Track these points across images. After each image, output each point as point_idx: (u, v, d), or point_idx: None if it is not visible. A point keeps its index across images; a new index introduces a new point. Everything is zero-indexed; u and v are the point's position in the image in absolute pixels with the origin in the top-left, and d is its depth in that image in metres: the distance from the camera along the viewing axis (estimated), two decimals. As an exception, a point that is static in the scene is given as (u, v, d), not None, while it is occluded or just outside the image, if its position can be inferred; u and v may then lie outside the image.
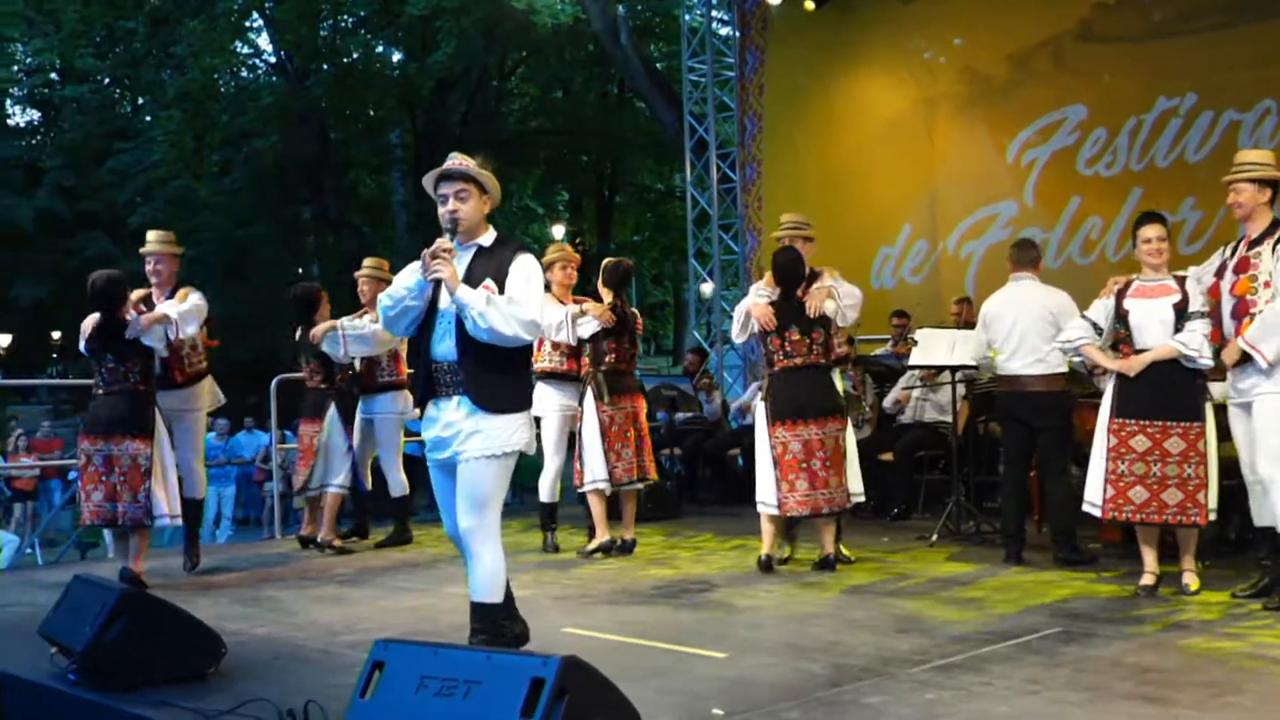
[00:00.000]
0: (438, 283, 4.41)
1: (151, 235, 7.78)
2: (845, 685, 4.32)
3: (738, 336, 7.31)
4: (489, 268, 4.43)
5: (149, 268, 7.65)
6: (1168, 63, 10.72)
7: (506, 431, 4.41)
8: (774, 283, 6.97)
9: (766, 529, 7.01)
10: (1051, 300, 7.06)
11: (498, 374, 4.41)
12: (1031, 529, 7.83)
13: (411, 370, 7.00)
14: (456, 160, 4.59)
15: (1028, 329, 7.01)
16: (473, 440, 4.38)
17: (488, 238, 4.58)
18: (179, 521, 7.22)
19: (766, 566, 6.91)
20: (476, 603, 4.48)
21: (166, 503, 6.97)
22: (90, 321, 7.01)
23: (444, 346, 4.44)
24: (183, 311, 7.19)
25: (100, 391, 6.98)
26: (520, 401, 4.53)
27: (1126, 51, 11.05)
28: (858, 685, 4.32)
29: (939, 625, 5.37)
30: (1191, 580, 5.97)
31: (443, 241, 4.39)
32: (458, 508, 4.44)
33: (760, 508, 6.97)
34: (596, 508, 7.75)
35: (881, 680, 4.38)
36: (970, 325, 9.13)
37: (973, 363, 7.77)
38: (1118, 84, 11.08)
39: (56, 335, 30.71)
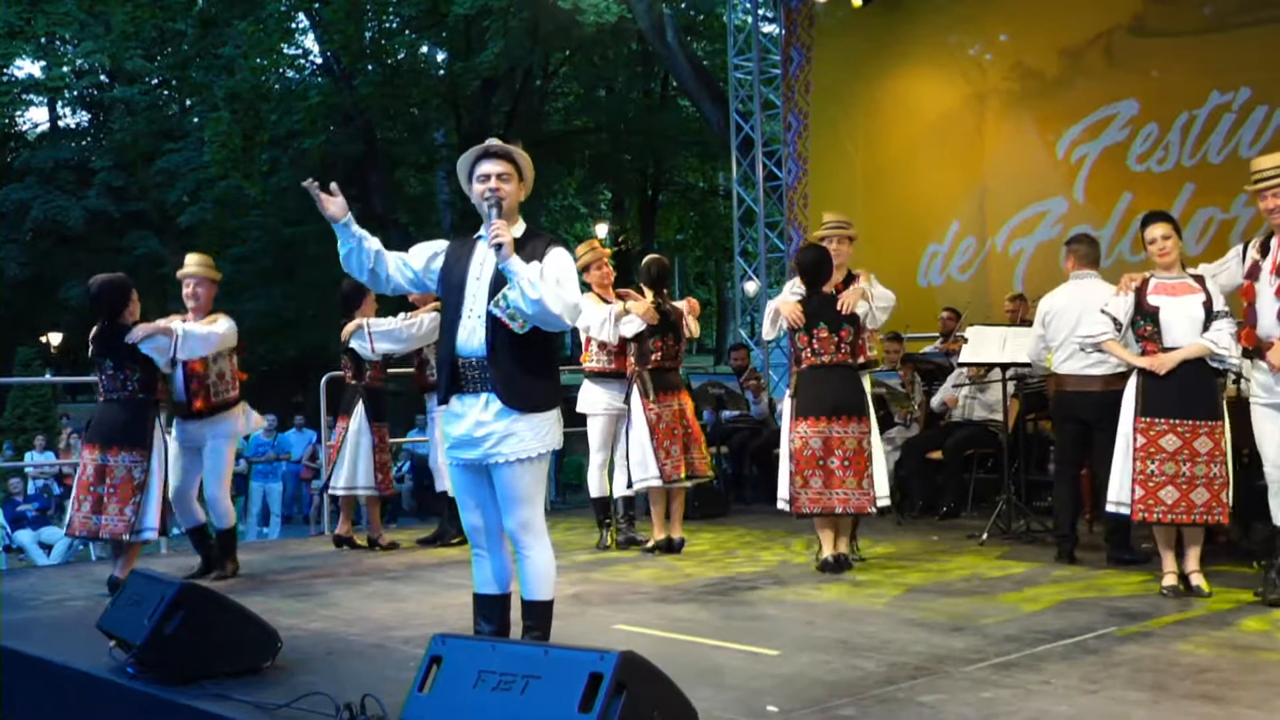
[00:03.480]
0: (464, 273, 4.39)
1: (190, 258, 7.60)
2: (900, 683, 4.30)
3: (768, 334, 7.43)
4: (520, 252, 4.31)
5: (186, 290, 7.40)
6: (1221, 57, 10.58)
7: (540, 431, 4.34)
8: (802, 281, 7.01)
9: (823, 530, 6.93)
10: None
11: (527, 371, 4.31)
12: (1082, 528, 7.76)
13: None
14: (497, 143, 4.48)
15: None
16: (506, 443, 4.29)
17: (518, 229, 4.44)
18: (156, 535, 7.00)
19: (827, 567, 6.81)
20: (529, 600, 4.47)
21: (157, 516, 6.81)
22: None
23: (472, 342, 4.33)
24: (189, 331, 6.95)
25: (100, 399, 6.93)
26: (551, 399, 4.41)
27: (1179, 45, 10.91)
28: (913, 683, 4.29)
29: (992, 624, 5.33)
30: (1201, 582, 5.90)
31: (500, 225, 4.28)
32: (504, 510, 4.40)
33: (780, 505, 6.95)
34: (655, 506, 7.84)
35: (937, 679, 4.36)
36: (1025, 322, 9.06)
37: (1027, 360, 7.69)
38: (1170, 79, 10.95)
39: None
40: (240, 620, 4.74)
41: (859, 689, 4.24)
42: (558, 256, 4.35)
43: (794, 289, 7.08)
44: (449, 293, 4.46)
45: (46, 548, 14.02)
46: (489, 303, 4.28)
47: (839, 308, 6.83)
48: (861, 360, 7.15)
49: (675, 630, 5.33)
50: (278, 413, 19.42)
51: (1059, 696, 4.07)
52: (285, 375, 28.07)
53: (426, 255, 4.56)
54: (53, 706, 5.03)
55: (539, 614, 4.47)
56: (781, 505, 6.92)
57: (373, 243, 4.50)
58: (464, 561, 7.75)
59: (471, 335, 4.34)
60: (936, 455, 9.44)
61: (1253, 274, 5.83)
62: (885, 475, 6.92)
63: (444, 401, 4.48)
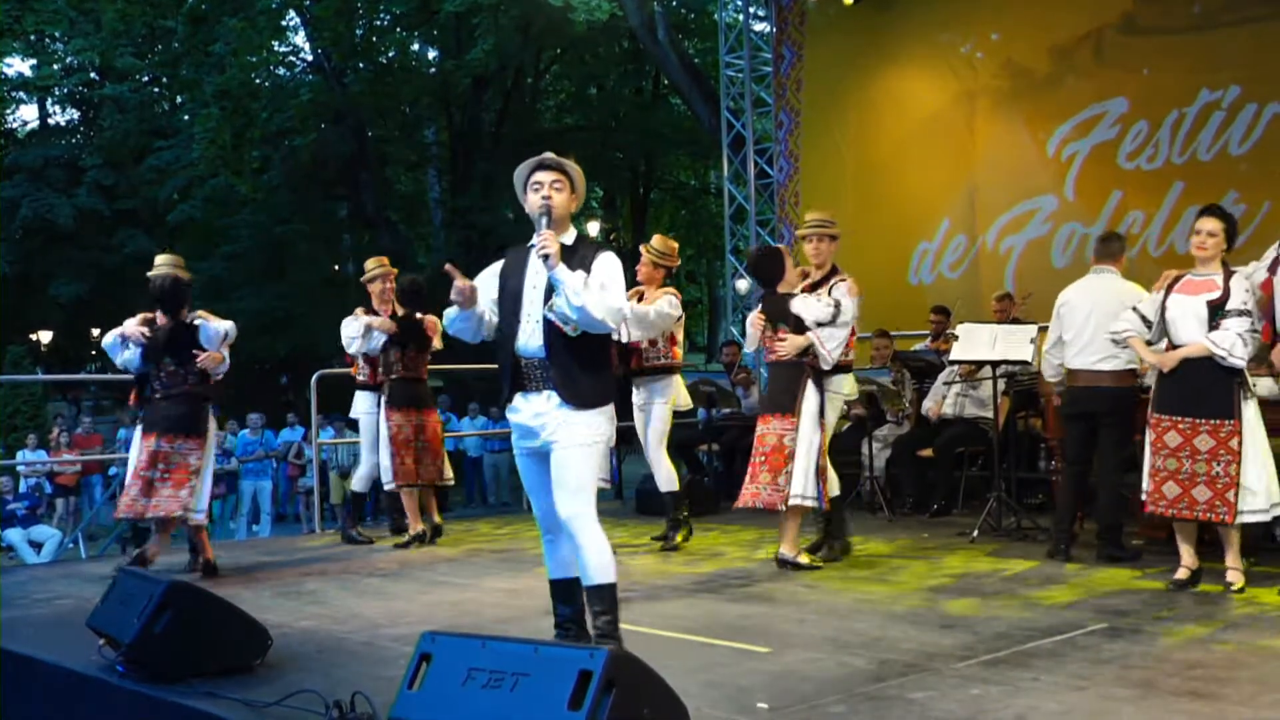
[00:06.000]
0: (520, 281, 4.59)
1: (161, 259, 7.72)
2: (890, 680, 4.30)
3: (750, 346, 7.50)
4: (571, 265, 4.49)
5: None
6: (1210, 55, 10.60)
7: (595, 424, 4.53)
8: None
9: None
10: (1130, 295, 6.78)
11: (584, 370, 4.52)
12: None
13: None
14: (551, 156, 4.72)
15: (1102, 323, 6.75)
16: (562, 430, 4.48)
17: (569, 236, 4.64)
18: (205, 520, 7.39)
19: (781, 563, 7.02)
20: (591, 585, 4.53)
21: (207, 501, 7.27)
22: (136, 323, 7.18)
23: (531, 344, 4.53)
24: (229, 329, 7.41)
25: (158, 395, 7.14)
26: (605, 396, 4.61)
27: (1168, 44, 10.94)
28: (902, 680, 4.30)
29: (982, 621, 5.34)
30: (1236, 578, 5.89)
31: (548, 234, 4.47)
32: (557, 497, 4.51)
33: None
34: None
35: (926, 675, 4.36)
36: (1014, 321, 9.09)
37: (1025, 357, 7.72)
38: (1159, 76, 10.97)
39: (96, 332, 30.99)
40: (230, 618, 4.73)
41: (849, 686, 4.24)
42: (605, 261, 4.56)
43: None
44: (506, 299, 4.66)
45: (36, 546, 13.99)
46: (544, 307, 4.49)
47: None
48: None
49: (666, 627, 5.33)
50: (268, 411, 19.39)
51: (1047, 693, 4.07)
52: (276, 373, 28.06)
53: (493, 282, 4.73)
54: (42, 705, 5.02)
55: (605, 597, 4.53)
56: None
57: (484, 311, 4.69)
58: (455, 559, 7.78)
59: (531, 337, 4.55)
60: (927, 453, 9.45)
61: (1273, 269, 5.83)
62: (808, 474, 6.77)
63: (508, 400, 4.65)
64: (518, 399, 4.61)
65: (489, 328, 4.72)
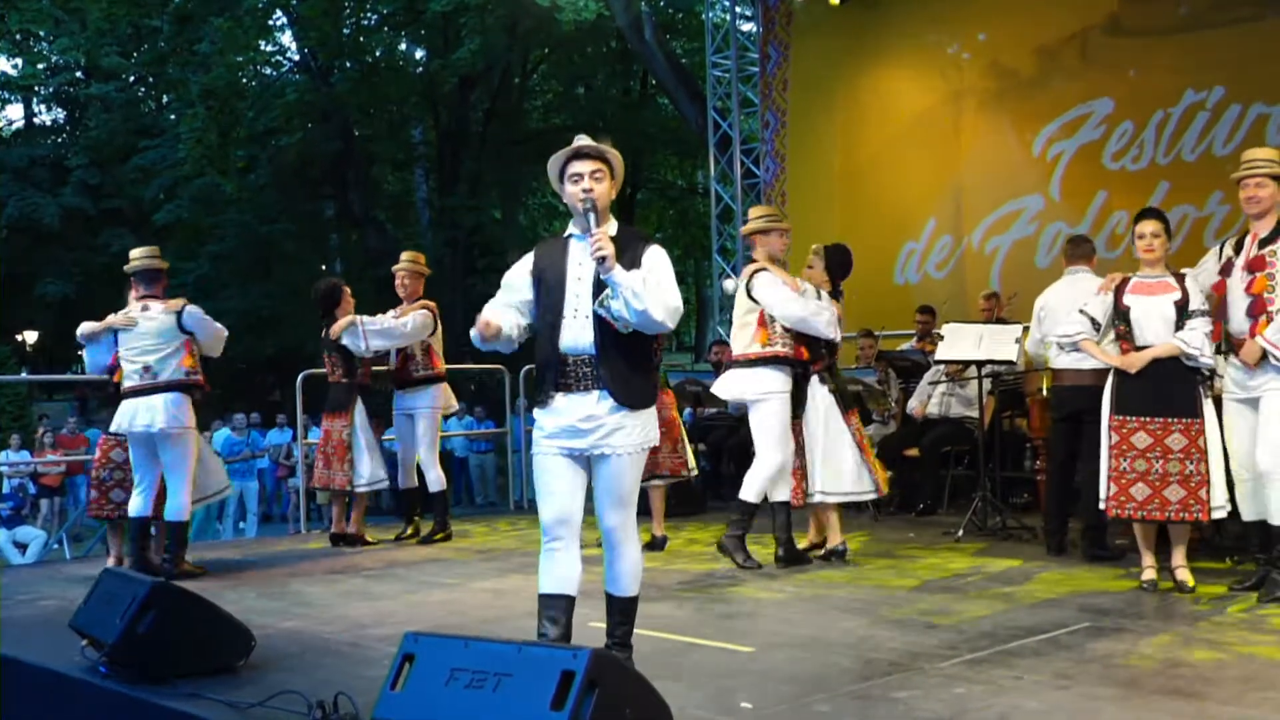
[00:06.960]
0: (561, 273, 4.35)
1: (136, 252, 7.60)
2: (874, 679, 4.31)
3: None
4: (621, 262, 4.22)
5: (162, 282, 7.54)
6: (1196, 56, 10.65)
7: (645, 427, 4.33)
8: (828, 278, 7.15)
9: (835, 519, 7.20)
10: None
11: (635, 369, 4.28)
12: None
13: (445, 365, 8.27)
14: (588, 141, 4.40)
15: None
16: (617, 436, 4.24)
17: (612, 228, 4.34)
18: None
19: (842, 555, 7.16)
20: (620, 596, 4.44)
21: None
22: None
23: (581, 341, 4.26)
24: None
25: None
26: (653, 395, 4.40)
27: (1154, 45, 10.99)
28: (886, 679, 4.30)
29: (966, 620, 5.34)
30: (1186, 576, 5.93)
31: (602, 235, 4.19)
32: (605, 506, 4.34)
33: (846, 498, 7.20)
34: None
35: (910, 675, 4.36)
36: (1001, 320, 9.12)
37: (1010, 358, 7.74)
38: (1145, 77, 11.02)
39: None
40: (213, 619, 4.71)
41: (833, 685, 4.25)
42: (655, 257, 4.30)
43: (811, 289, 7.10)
44: (547, 293, 4.37)
45: (21, 547, 13.94)
46: (594, 302, 4.24)
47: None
48: None
49: (649, 627, 5.30)
50: (253, 411, 19.36)
51: (1030, 692, 4.08)
52: (262, 373, 27.97)
53: (526, 280, 4.45)
54: (24, 706, 5.00)
55: (629, 610, 4.46)
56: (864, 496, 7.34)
57: (510, 329, 4.40)
58: (442, 559, 7.77)
59: (579, 334, 4.27)
60: (913, 452, 9.47)
61: (1226, 271, 5.88)
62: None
63: (547, 399, 4.34)
64: (559, 399, 4.30)
65: (522, 337, 4.44)
